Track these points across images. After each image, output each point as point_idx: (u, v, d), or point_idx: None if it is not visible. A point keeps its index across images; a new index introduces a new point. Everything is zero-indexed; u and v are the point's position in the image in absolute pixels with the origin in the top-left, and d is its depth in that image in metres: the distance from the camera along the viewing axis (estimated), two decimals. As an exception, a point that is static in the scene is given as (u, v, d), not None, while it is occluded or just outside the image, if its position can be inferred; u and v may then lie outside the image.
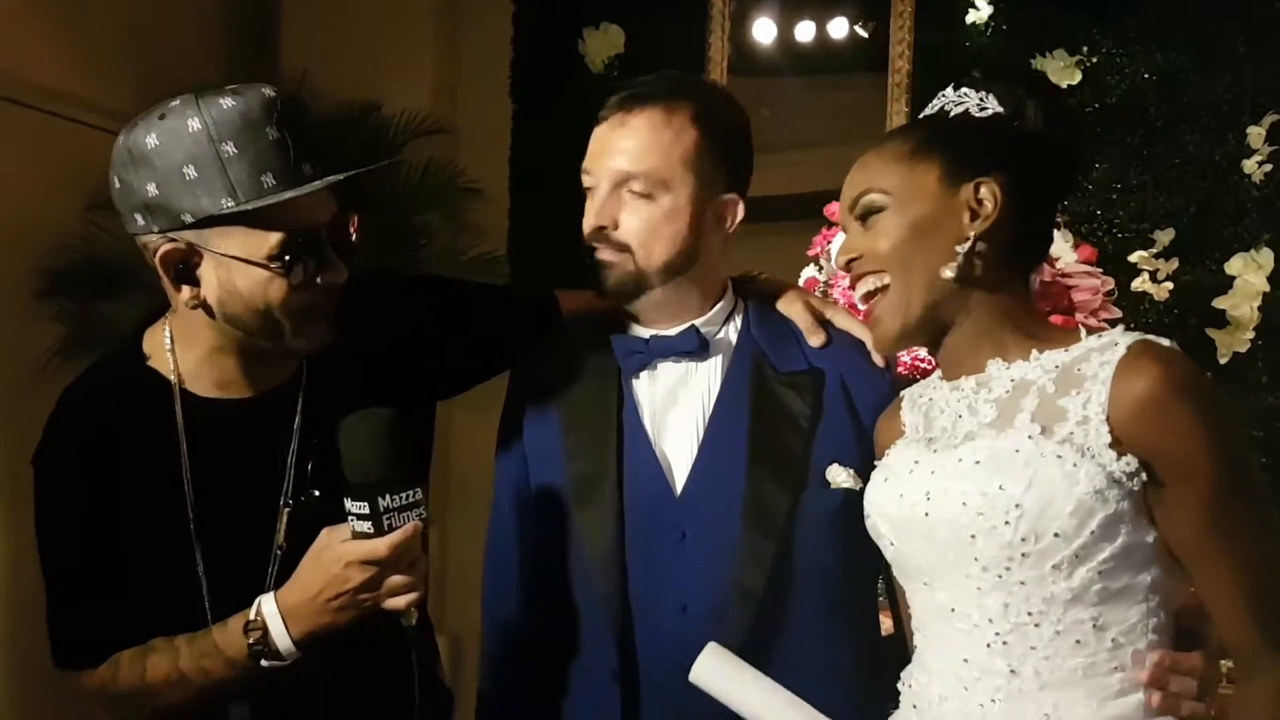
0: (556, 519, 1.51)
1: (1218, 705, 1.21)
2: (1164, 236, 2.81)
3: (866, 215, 1.30)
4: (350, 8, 3.43)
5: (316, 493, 1.44)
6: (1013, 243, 1.27)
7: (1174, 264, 2.80)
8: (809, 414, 1.47)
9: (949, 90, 1.35)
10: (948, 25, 3.09)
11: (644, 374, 1.53)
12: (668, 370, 1.52)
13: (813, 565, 1.44)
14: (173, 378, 1.45)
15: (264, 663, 1.35)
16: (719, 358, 1.53)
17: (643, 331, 1.55)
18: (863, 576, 1.50)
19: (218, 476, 1.44)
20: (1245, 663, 1.18)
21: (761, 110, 3.33)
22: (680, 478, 1.48)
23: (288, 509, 1.45)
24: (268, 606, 1.35)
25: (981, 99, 1.31)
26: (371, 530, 1.28)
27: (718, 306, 1.55)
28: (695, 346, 1.51)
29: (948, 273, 1.26)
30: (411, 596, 1.32)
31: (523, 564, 1.56)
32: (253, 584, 1.41)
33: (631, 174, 1.47)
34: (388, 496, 1.27)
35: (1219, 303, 2.77)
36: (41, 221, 2.68)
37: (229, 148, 1.29)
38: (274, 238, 1.32)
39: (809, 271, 2.73)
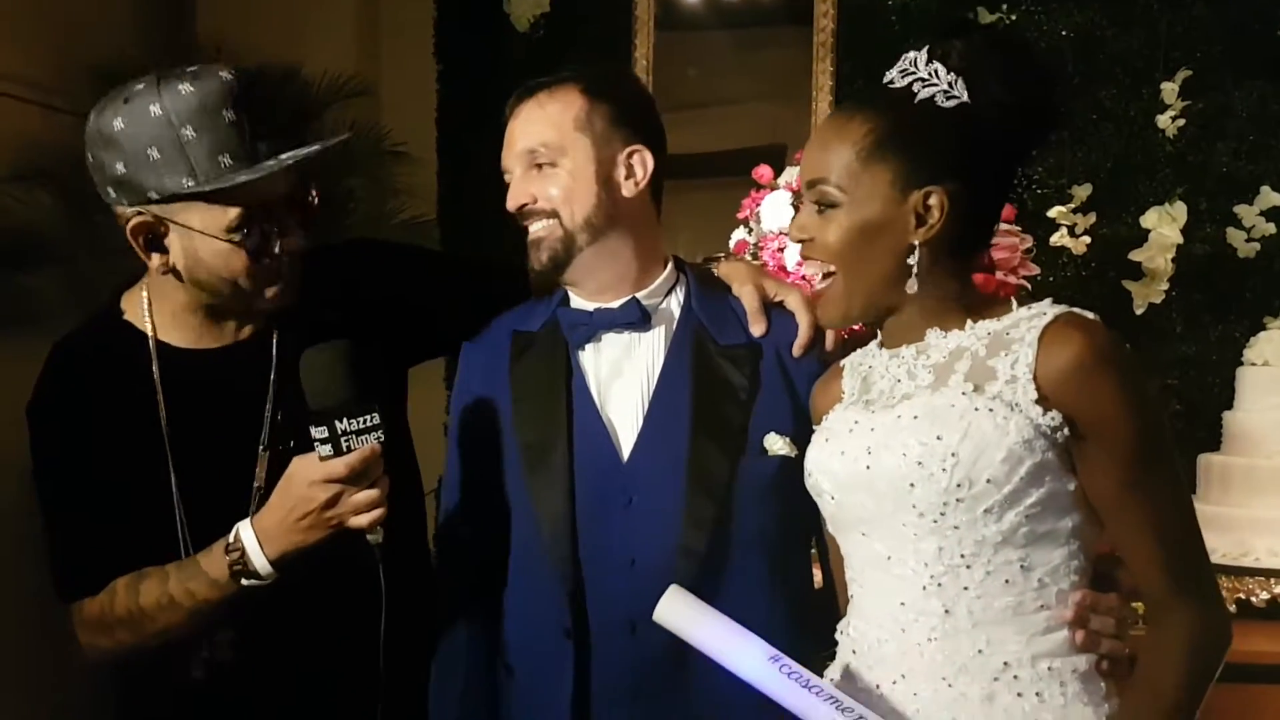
0: (508, 484, 1.56)
1: (1130, 644, 1.29)
2: (1081, 191, 2.88)
3: (821, 203, 1.32)
4: (267, -32, 3.36)
5: (293, 443, 1.52)
6: (957, 240, 1.31)
7: (1091, 218, 2.87)
8: (747, 386, 1.53)
9: (920, 59, 1.31)
10: (872, -18, 3.11)
11: (589, 346, 1.57)
12: (612, 341, 1.57)
13: (751, 527, 1.51)
14: (148, 330, 1.57)
15: (244, 581, 1.44)
16: (661, 329, 1.58)
17: (586, 305, 1.59)
18: (797, 537, 1.58)
19: (192, 420, 1.55)
20: (1155, 605, 1.27)
21: (688, 69, 3.35)
22: (627, 445, 1.54)
23: (267, 454, 1.55)
24: (245, 530, 1.44)
25: (950, 84, 1.29)
26: (332, 453, 1.37)
27: (659, 279, 1.60)
28: (637, 318, 1.56)
29: (911, 287, 1.30)
30: (374, 514, 1.39)
31: (474, 527, 1.60)
32: (231, 521, 1.47)
33: (530, 148, 1.55)
34: (345, 420, 1.36)
35: (1135, 255, 2.86)
36: (-46, 193, 2.61)
37: (188, 131, 1.42)
38: (232, 213, 1.45)
39: (739, 234, 2.76)
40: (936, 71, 1.30)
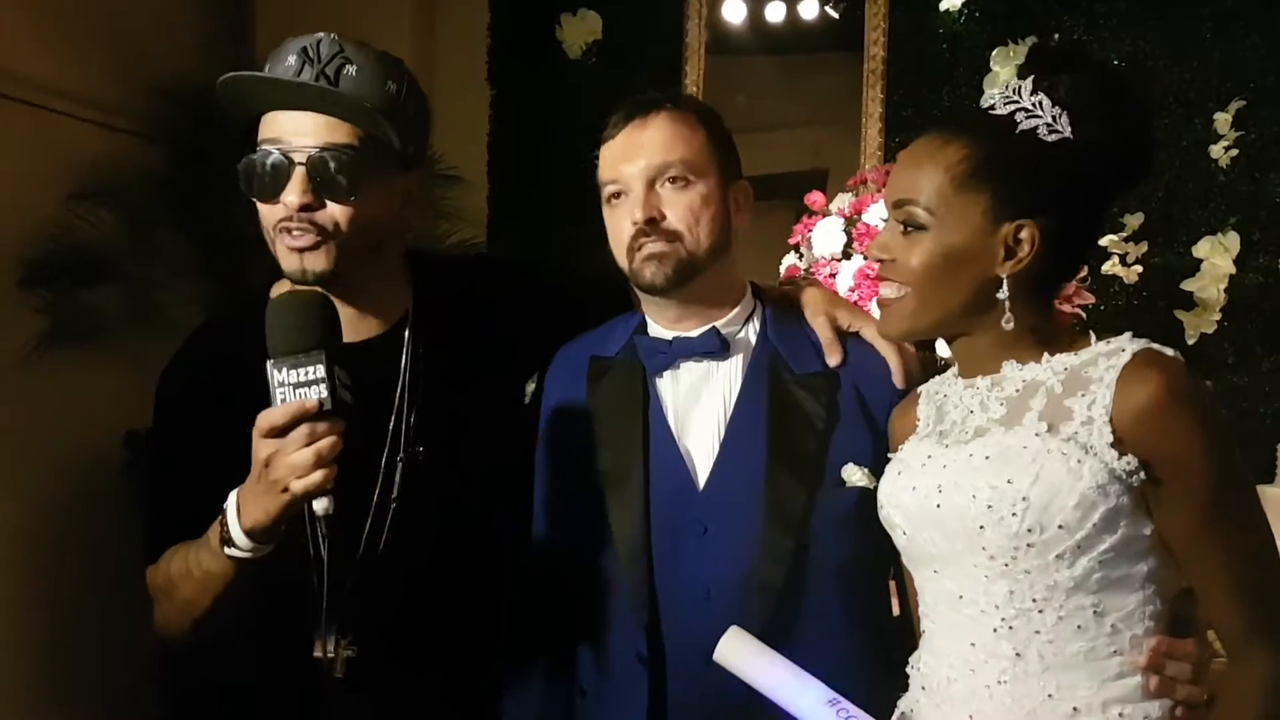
0: (586, 507, 1.55)
1: (1212, 680, 1.26)
2: (1134, 220, 2.87)
3: (908, 224, 1.31)
4: (325, -7, 3.42)
5: (421, 448, 1.52)
6: (1043, 274, 1.30)
7: (1143, 247, 2.86)
8: (824, 415, 1.51)
9: (1024, 88, 1.28)
10: (922, 10, 3.13)
11: (667, 373, 1.57)
12: (690, 370, 1.57)
13: (828, 560, 1.48)
14: None
15: (227, 551, 1.37)
16: (738, 358, 1.57)
17: (665, 333, 1.59)
18: (875, 569, 1.55)
19: None
20: (1233, 648, 1.24)
21: (738, 94, 3.37)
22: (703, 473, 1.53)
23: (400, 463, 1.53)
24: (231, 497, 1.38)
25: (1055, 118, 1.27)
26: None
27: (738, 308, 1.59)
28: (716, 347, 1.55)
29: (1008, 323, 1.28)
30: (310, 479, 1.28)
31: (550, 546, 1.61)
32: (342, 513, 1.36)
33: (668, 163, 1.52)
34: (283, 370, 1.27)
35: (1187, 285, 2.84)
36: (21, 211, 2.65)
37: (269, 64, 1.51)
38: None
39: (790, 259, 2.77)
40: (1041, 104, 1.27)
